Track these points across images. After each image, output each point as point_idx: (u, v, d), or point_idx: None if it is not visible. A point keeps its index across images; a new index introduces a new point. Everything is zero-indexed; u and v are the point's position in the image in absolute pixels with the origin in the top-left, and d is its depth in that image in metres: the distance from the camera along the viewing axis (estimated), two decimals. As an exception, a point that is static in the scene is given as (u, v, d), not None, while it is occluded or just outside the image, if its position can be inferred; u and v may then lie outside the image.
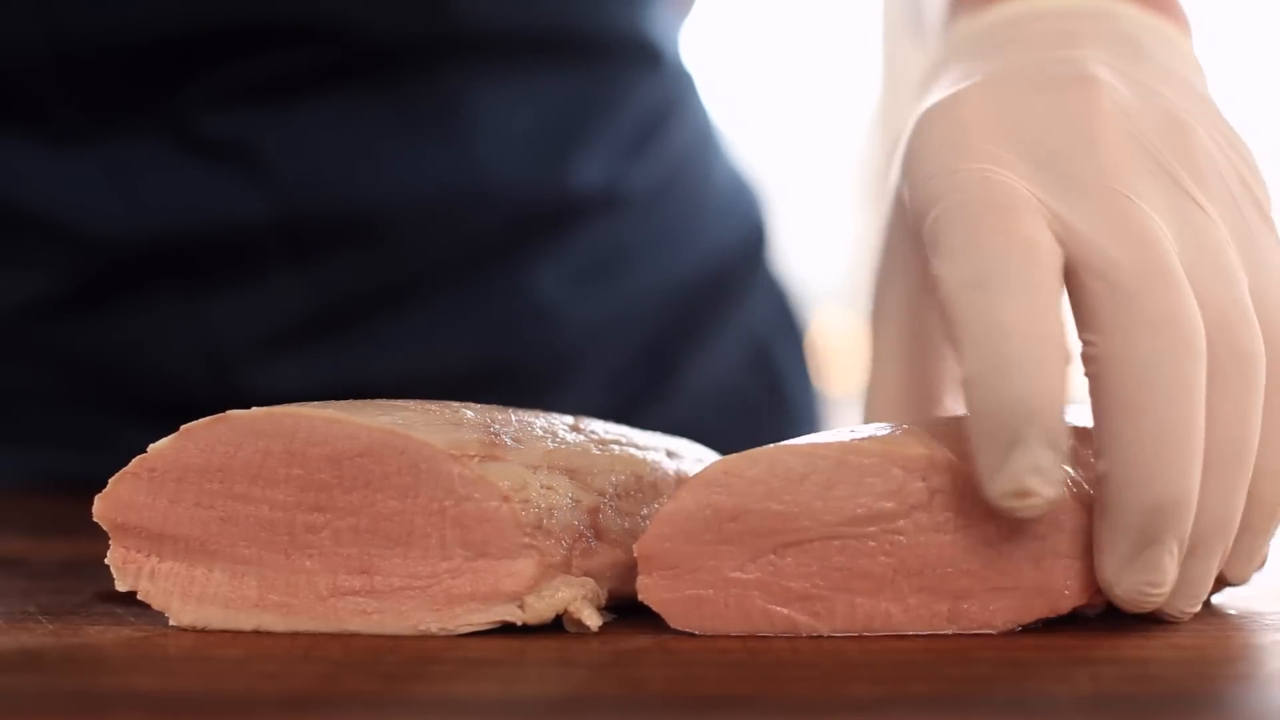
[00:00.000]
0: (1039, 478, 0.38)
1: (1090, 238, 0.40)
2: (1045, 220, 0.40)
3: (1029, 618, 0.40)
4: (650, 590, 0.40)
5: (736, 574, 0.40)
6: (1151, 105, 0.44)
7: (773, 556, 0.39)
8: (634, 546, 0.40)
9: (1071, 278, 0.40)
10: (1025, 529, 0.40)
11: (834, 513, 0.39)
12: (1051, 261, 0.39)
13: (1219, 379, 0.40)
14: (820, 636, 0.39)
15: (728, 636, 0.39)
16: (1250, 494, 0.41)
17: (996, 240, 0.39)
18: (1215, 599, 0.45)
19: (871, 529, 0.39)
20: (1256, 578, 0.49)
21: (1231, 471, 0.40)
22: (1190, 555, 0.40)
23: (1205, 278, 0.40)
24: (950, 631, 0.40)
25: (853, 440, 0.40)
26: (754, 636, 0.39)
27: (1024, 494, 0.38)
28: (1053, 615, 0.40)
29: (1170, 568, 0.39)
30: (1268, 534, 0.42)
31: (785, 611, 0.39)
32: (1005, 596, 0.40)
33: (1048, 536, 0.40)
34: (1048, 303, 0.39)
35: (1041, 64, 0.45)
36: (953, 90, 0.45)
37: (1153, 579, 0.39)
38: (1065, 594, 0.40)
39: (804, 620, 0.40)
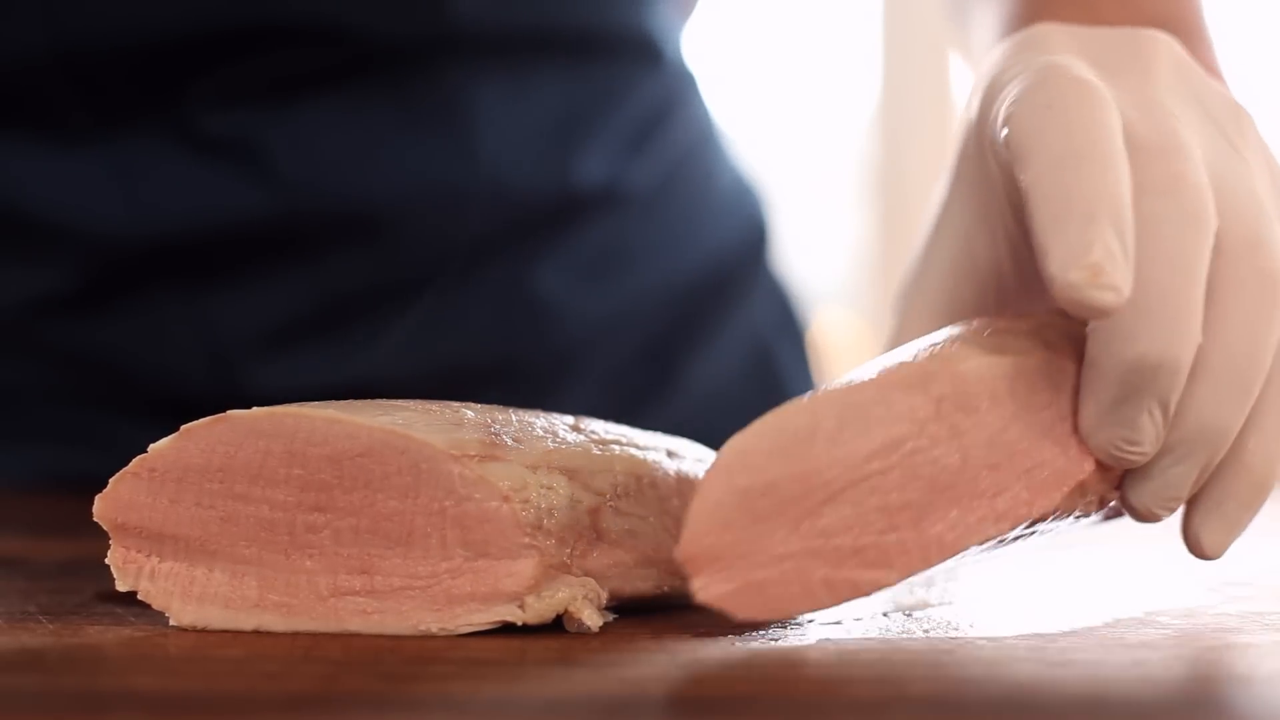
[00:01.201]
0: (1110, 259, 0.38)
1: (1125, 118, 0.41)
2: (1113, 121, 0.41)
3: (1060, 493, 0.40)
4: (707, 589, 0.38)
5: (784, 548, 0.38)
6: (1212, 84, 0.45)
7: (811, 519, 0.39)
8: (675, 552, 0.39)
9: None
10: (1030, 403, 0.40)
11: (853, 454, 0.39)
12: (1113, 110, 0.41)
13: (1237, 291, 0.40)
14: (836, 638, 0.39)
15: (742, 637, 0.39)
16: (1240, 463, 0.41)
17: (1066, 78, 0.41)
18: (1215, 599, 0.45)
19: (893, 458, 0.39)
20: (1257, 577, 0.49)
21: (1230, 381, 0.40)
22: (1169, 453, 0.40)
23: (1235, 199, 0.41)
24: (1004, 531, 0.39)
25: (845, 383, 0.40)
26: (761, 634, 0.39)
27: (1097, 270, 0.38)
28: (1079, 484, 0.40)
29: (1148, 427, 0.39)
30: (1251, 507, 0.41)
31: (844, 574, 0.38)
32: (1032, 479, 0.39)
33: (1052, 404, 0.40)
34: (1113, 127, 0.40)
35: (1117, 31, 0.47)
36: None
37: (1128, 435, 0.39)
38: (1082, 457, 0.40)
39: (865, 576, 0.39)
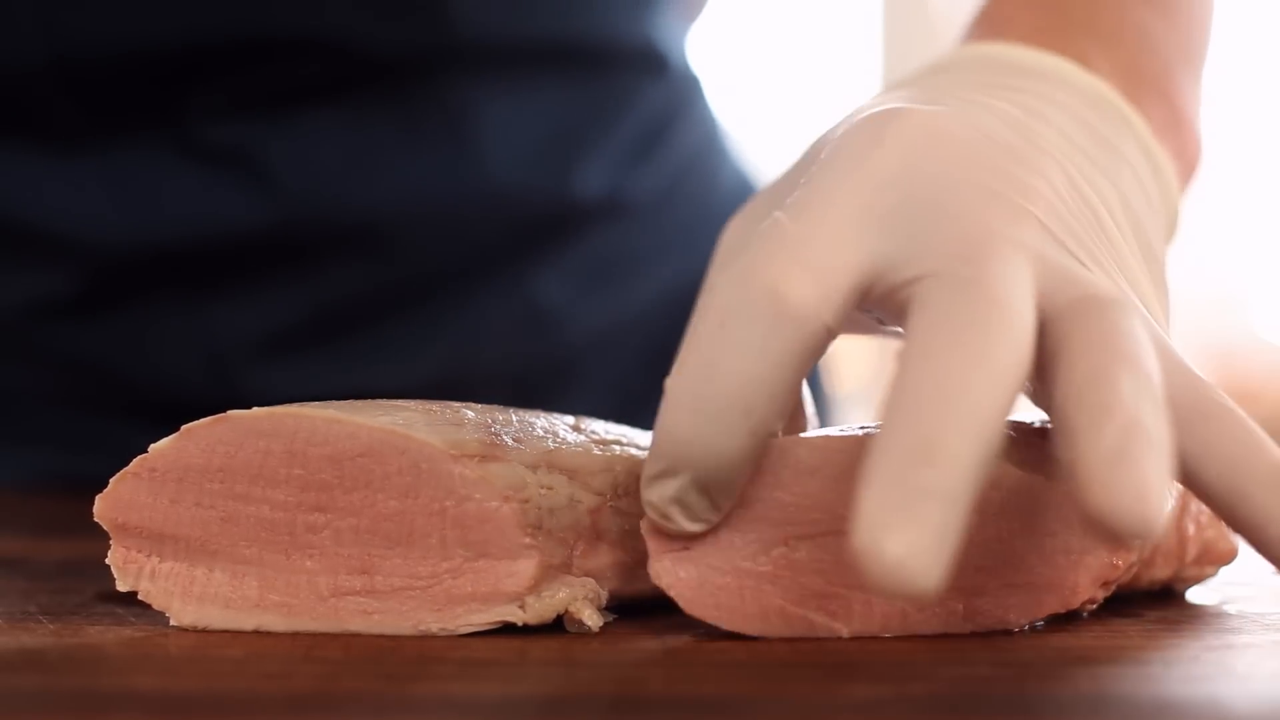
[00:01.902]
0: (679, 510, 0.38)
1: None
2: (842, 289, 0.38)
3: (1041, 614, 0.40)
4: (664, 574, 0.39)
5: (750, 565, 0.39)
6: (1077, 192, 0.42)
7: (785, 549, 0.39)
8: (641, 523, 0.39)
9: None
10: (1037, 526, 0.39)
11: (846, 505, 0.39)
12: (807, 335, 0.37)
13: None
14: (837, 638, 0.39)
15: (734, 636, 0.39)
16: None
17: (756, 289, 0.37)
18: (1215, 599, 0.45)
19: None
20: (1257, 577, 0.49)
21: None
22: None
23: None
24: (966, 630, 0.40)
25: (865, 434, 0.40)
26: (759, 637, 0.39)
27: (664, 516, 0.38)
28: (1063, 611, 0.40)
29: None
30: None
31: (802, 612, 0.39)
32: (1018, 593, 0.40)
33: (1059, 533, 0.40)
34: (765, 368, 0.37)
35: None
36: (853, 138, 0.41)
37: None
38: (1075, 590, 0.40)
39: (821, 620, 0.39)
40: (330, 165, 0.71)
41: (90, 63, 0.68)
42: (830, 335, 0.38)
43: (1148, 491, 0.33)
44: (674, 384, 0.37)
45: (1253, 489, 0.37)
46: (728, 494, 0.38)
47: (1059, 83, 0.46)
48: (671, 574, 0.39)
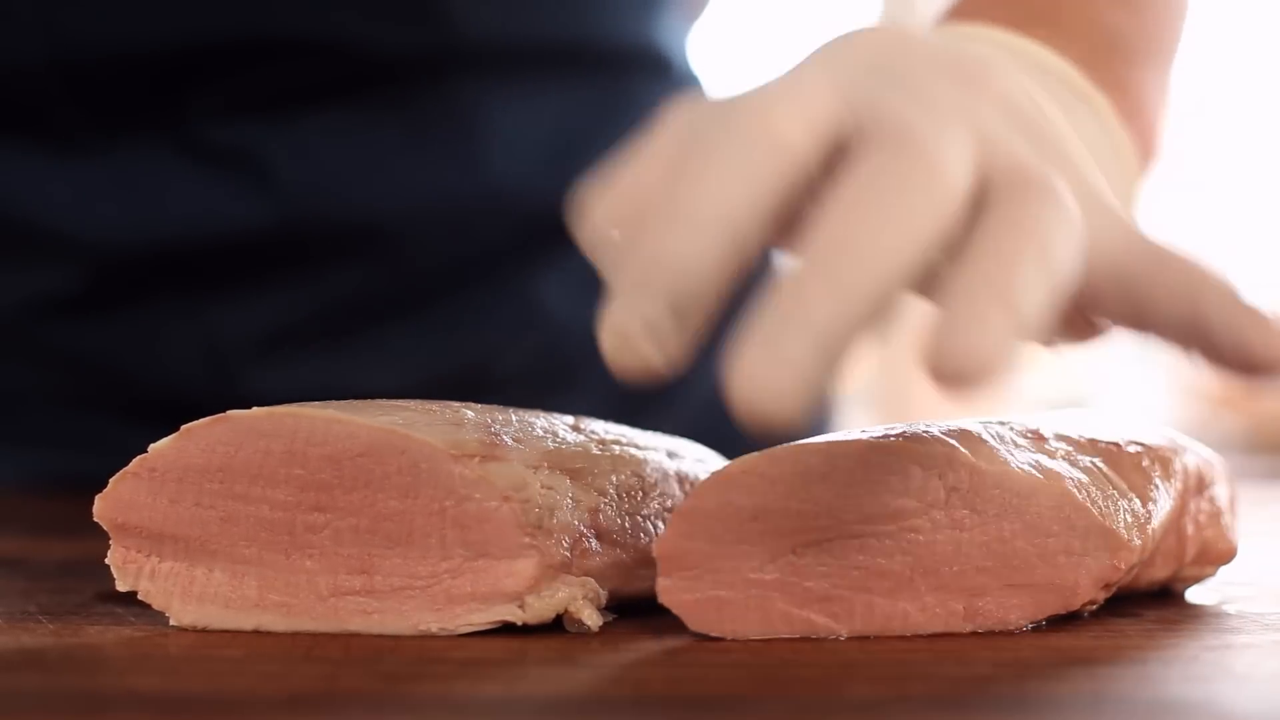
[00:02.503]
0: (647, 333, 0.35)
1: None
2: (821, 125, 0.38)
3: (1042, 615, 0.40)
4: (670, 592, 0.39)
5: (756, 575, 0.39)
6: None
7: (792, 556, 0.39)
8: (653, 547, 0.40)
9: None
10: (1038, 528, 0.40)
11: (854, 511, 0.39)
12: (792, 160, 0.37)
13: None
14: (836, 639, 0.39)
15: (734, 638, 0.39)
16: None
17: (746, 116, 0.38)
18: (1215, 599, 0.45)
19: (890, 527, 0.39)
20: (1257, 577, 0.49)
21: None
22: None
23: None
24: (966, 630, 0.40)
25: (872, 439, 0.40)
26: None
27: (628, 342, 0.35)
28: (1064, 612, 0.40)
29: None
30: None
31: (804, 614, 0.39)
32: (1019, 594, 0.40)
33: (1060, 534, 0.40)
34: (751, 187, 0.37)
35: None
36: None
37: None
38: (1076, 591, 0.40)
39: (823, 622, 0.39)
40: (333, 166, 0.71)
41: (92, 63, 0.68)
42: (809, 175, 0.38)
43: (986, 346, 0.33)
44: (660, 204, 0.37)
45: (1204, 300, 0.37)
46: (698, 312, 0.36)
47: (1025, 59, 0.46)
48: (677, 595, 0.39)
